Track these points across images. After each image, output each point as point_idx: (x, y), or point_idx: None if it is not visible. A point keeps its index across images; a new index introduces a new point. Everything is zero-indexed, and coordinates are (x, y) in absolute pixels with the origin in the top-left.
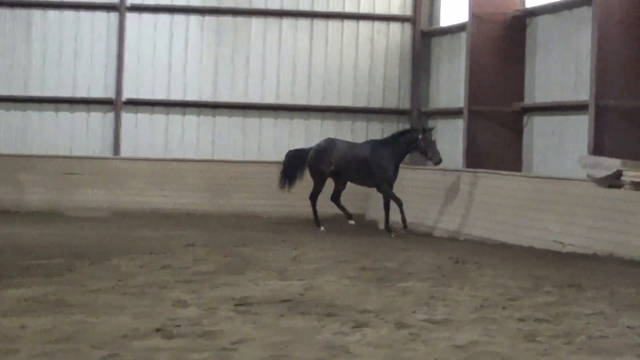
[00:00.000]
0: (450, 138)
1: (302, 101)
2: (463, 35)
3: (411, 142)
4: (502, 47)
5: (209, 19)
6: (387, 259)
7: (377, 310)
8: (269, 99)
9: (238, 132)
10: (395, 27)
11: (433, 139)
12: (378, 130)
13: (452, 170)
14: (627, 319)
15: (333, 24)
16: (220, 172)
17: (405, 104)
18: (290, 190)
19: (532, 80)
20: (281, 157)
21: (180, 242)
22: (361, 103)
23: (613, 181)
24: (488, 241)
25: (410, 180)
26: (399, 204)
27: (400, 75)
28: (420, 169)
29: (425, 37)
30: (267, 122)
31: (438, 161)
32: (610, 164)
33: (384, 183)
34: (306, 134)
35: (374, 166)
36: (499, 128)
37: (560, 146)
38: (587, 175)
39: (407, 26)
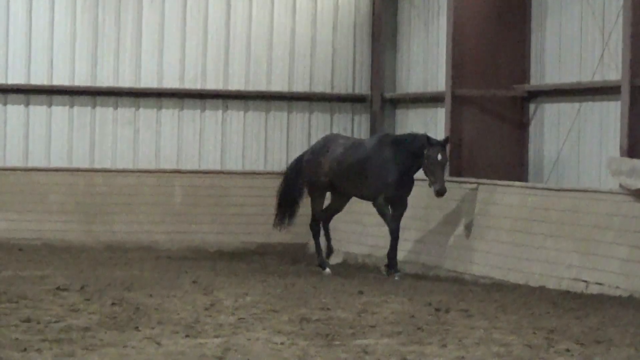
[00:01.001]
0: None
1: (217, 85)
2: None
3: (419, 157)
4: (498, 7)
5: None
6: (337, 307)
7: None
8: (170, 83)
9: (127, 128)
10: None
11: (439, 158)
12: (325, 124)
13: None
14: None
15: None
16: (99, 185)
17: (363, 88)
18: (289, 224)
19: (540, 53)
20: (187, 163)
21: (44, 285)
22: (300, 87)
23: None
24: (481, 280)
25: None
26: (392, 233)
27: (356, 47)
28: None
29: None
30: (168, 115)
31: (439, 192)
32: None
33: (379, 195)
34: (223, 130)
35: (370, 170)
36: (494, 119)
37: (581, 144)
38: (620, 186)
39: None
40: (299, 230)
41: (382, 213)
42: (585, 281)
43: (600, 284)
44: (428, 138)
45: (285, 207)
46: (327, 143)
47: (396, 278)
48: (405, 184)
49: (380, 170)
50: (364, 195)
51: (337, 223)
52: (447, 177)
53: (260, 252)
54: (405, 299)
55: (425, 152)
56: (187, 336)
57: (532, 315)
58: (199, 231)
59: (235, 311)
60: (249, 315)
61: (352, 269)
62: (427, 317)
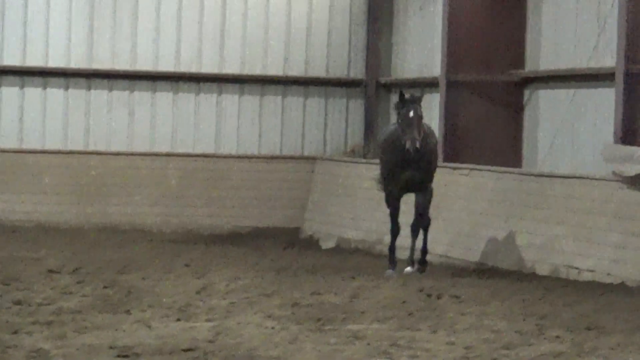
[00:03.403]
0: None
1: (212, 69)
2: None
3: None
4: None
5: None
6: (329, 291)
7: None
8: (166, 66)
9: (122, 111)
10: None
11: (411, 114)
12: (319, 109)
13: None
14: None
15: None
16: (94, 168)
17: (358, 73)
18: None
19: (536, 39)
20: (182, 146)
21: (37, 267)
22: (295, 71)
23: None
24: (472, 265)
25: (357, 177)
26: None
27: (352, 32)
28: (365, 163)
29: None
30: (163, 98)
31: (413, 149)
32: None
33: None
34: (218, 113)
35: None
36: (489, 105)
37: (575, 131)
38: (614, 173)
39: None
40: (292, 214)
41: (387, 203)
42: (578, 268)
43: (592, 270)
44: (401, 94)
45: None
46: (392, 134)
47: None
48: (417, 165)
49: (382, 152)
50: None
51: (330, 207)
52: (440, 162)
53: (254, 236)
54: (398, 285)
55: (399, 111)
56: (178, 319)
57: (524, 301)
58: (193, 214)
59: (227, 295)
60: (241, 299)
61: (345, 253)
62: (418, 302)
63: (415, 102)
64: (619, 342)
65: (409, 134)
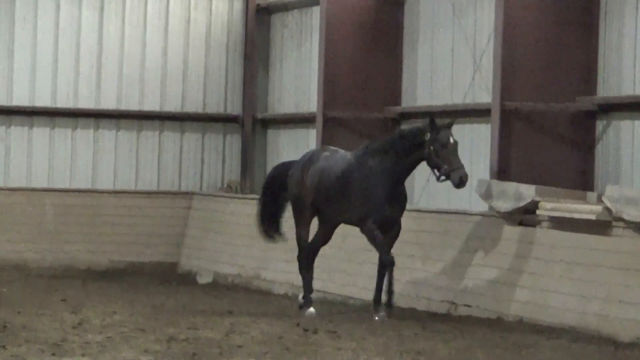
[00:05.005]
0: (298, 156)
1: (89, 104)
2: (316, 12)
3: (417, 146)
4: (371, 30)
5: None
6: (205, 327)
7: None
8: (43, 101)
9: None
10: (220, 0)
11: (452, 140)
12: (196, 144)
13: None
14: None
15: None
16: None
17: (235, 109)
18: (278, 236)
19: (412, 76)
20: (58, 182)
21: None
22: (172, 107)
23: (525, 216)
24: (350, 301)
25: (234, 213)
26: (384, 263)
27: (228, 68)
28: (242, 199)
29: (262, 13)
30: (40, 133)
31: (459, 180)
32: (522, 193)
33: (369, 219)
34: (95, 149)
35: (354, 190)
36: (365, 141)
37: None
38: (490, 208)
39: None
40: (169, 250)
41: (371, 238)
42: (454, 303)
43: (468, 305)
44: (432, 119)
45: (267, 221)
46: (312, 156)
47: (376, 318)
48: (396, 201)
49: (366, 187)
50: (350, 218)
51: (207, 243)
52: None
53: (130, 272)
54: (274, 320)
55: (428, 138)
56: (53, 354)
57: (400, 337)
58: (69, 250)
59: (103, 330)
60: (117, 334)
61: (222, 288)
62: (295, 337)
63: (450, 127)
64: None
65: (456, 164)
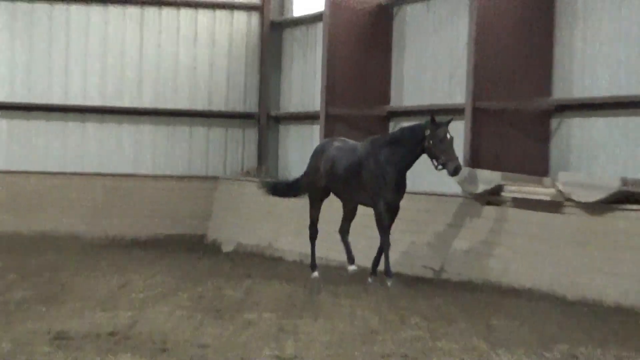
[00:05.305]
0: (304, 147)
1: (131, 103)
2: (320, 27)
3: (419, 141)
4: (365, 41)
5: (22, 6)
6: (228, 287)
7: (216, 345)
8: (93, 101)
9: (56, 139)
10: (240, 16)
11: (448, 136)
12: (220, 138)
13: None
14: (505, 356)
15: (167, 13)
16: (31, 185)
17: (252, 107)
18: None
19: (399, 80)
20: (107, 167)
21: None
22: (200, 105)
23: (491, 197)
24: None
25: (251, 194)
26: (383, 244)
27: (247, 73)
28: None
29: (275, 28)
30: (91, 128)
31: (454, 170)
32: (489, 178)
33: (379, 202)
34: (136, 142)
35: (366, 176)
36: (361, 135)
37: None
38: (463, 191)
39: (255, 15)
40: (198, 224)
41: (379, 221)
42: (433, 269)
43: (445, 271)
44: (432, 117)
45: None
46: (323, 147)
47: (389, 283)
48: (400, 188)
49: (377, 174)
50: (362, 201)
51: (230, 218)
52: None
53: (166, 242)
54: (284, 282)
55: (428, 133)
56: (103, 310)
57: (389, 296)
58: (116, 224)
59: (144, 289)
60: (155, 293)
61: (242, 256)
62: (302, 296)
63: (447, 124)
64: (463, 329)
65: (451, 156)
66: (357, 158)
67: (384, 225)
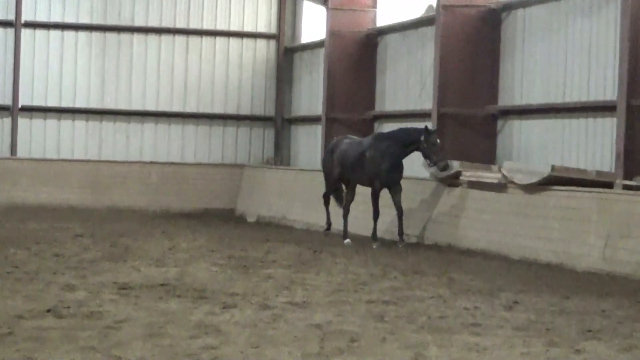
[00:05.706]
0: (310, 143)
1: (179, 108)
2: (321, 51)
3: (412, 142)
4: (356, 61)
5: (96, 35)
6: (252, 249)
7: (243, 293)
8: (150, 107)
9: (122, 136)
10: (261, 43)
11: (437, 141)
12: (247, 135)
13: (308, 170)
14: (463, 301)
15: (206, 40)
16: (104, 171)
17: (271, 112)
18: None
19: (382, 91)
20: (160, 157)
21: (68, 233)
22: (231, 110)
23: (452, 180)
24: (341, 233)
25: (270, 177)
26: (374, 214)
27: (267, 86)
28: (275, 169)
29: (288, 52)
30: (148, 127)
31: (444, 167)
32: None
33: (375, 181)
34: (182, 138)
35: (367, 160)
36: (354, 134)
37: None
38: (430, 175)
39: (272, 42)
40: (229, 200)
41: (373, 199)
42: (408, 234)
43: (416, 236)
44: (426, 128)
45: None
46: (336, 144)
47: (400, 246)
48: (396, 171)
49: (374, 159)
50: (364, 182)
51: (253, 196)
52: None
53: (204, 214)
54: (294, 244)
55: (423, 139)
56: (156, 266)
57: (374, 255)
58: (166, 200)
59: (188, 251)
60: (196, 254)
61: (262, 225)
62: (308, 256)
63: (435, 132)
64: (434, 281)
65: (441, 155)
66: (362, 149)
67: (375, 204)
